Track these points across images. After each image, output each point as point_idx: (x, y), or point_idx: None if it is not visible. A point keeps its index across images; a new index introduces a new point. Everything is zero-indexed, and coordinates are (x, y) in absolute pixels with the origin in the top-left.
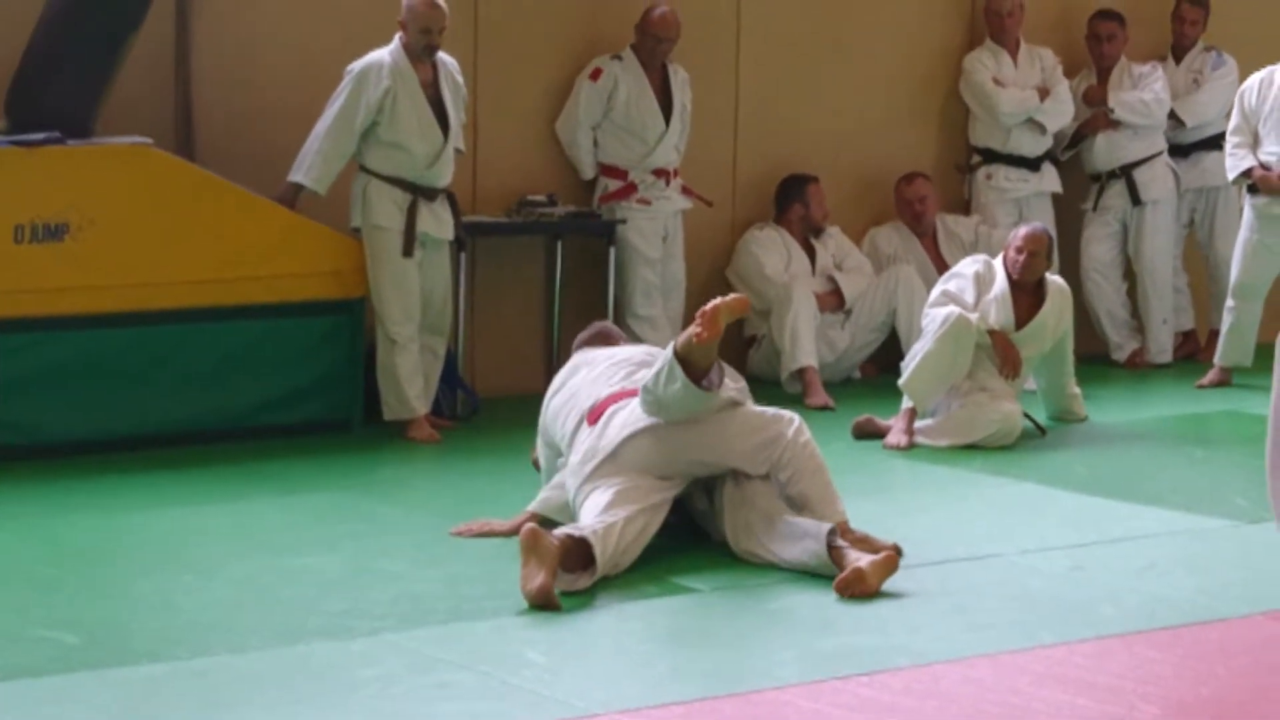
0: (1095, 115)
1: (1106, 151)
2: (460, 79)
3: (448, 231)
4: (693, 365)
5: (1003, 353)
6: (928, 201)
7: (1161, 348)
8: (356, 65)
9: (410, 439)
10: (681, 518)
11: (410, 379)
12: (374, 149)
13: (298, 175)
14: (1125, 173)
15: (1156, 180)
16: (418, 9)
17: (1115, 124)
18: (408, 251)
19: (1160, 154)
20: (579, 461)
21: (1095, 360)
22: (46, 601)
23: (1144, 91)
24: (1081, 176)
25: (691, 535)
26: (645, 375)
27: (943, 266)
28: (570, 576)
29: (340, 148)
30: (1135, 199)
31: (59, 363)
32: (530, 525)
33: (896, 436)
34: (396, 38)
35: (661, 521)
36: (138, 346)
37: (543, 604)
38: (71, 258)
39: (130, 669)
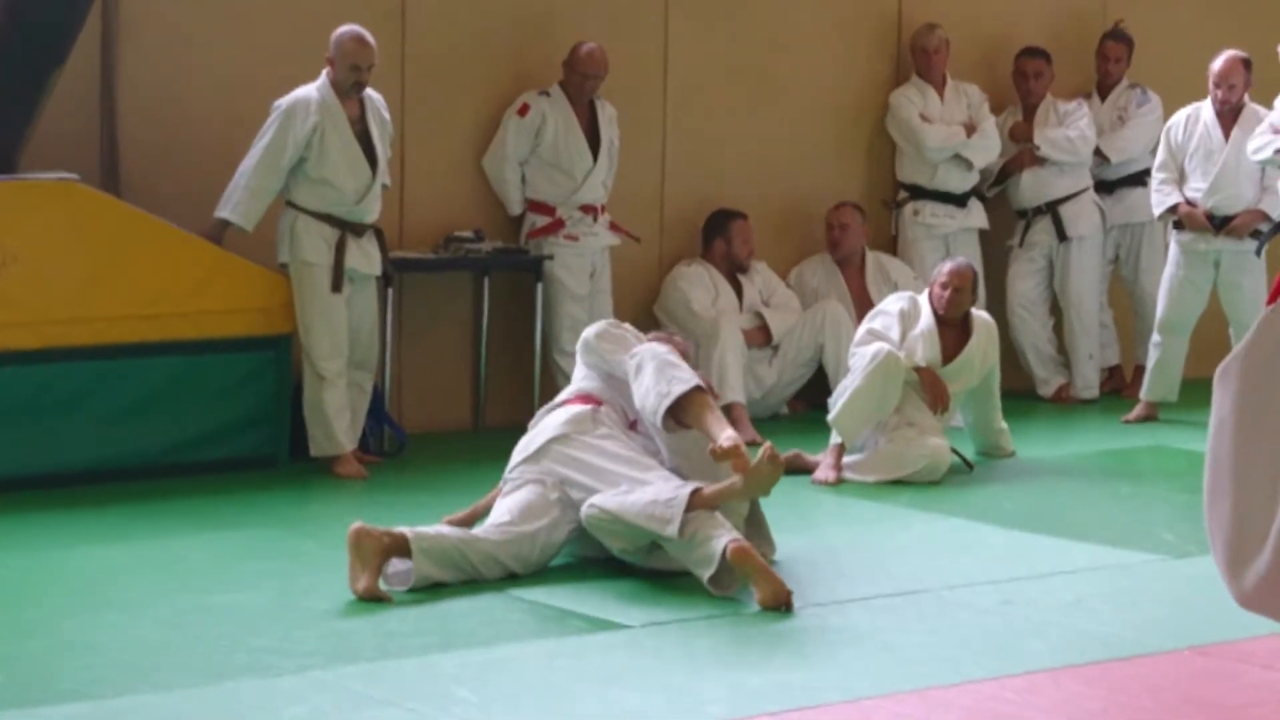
0: (1021, 152)
1: (1032, 188)
2: (387, 115)
3: (375, 267)
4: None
5: (931, 388)
6: (848, 230)
7: (1087, 383)
8: (284, 101)
9: (337, 475)
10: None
11: (338, 415)
12: (302, 185)
13: (224, 211)
14: (1051, 209)
15: (1082, 216)
16: (346, 46)
17: (1041, 160)
18: (336, 287)
19: (1086, 190)
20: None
21: (1022, 395)
22: None
23: (1070, 128)
24: (1008, 213)
25: (622, 569)
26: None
27: (865, 301)
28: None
29: (267, 184)
30: (1061, 235)
31: None
32: (357, 525)
33: (824, 472)
34: (324, 73)
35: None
36: (63, 382)
37: (371, 599)
38: None
39: (55, 708)
